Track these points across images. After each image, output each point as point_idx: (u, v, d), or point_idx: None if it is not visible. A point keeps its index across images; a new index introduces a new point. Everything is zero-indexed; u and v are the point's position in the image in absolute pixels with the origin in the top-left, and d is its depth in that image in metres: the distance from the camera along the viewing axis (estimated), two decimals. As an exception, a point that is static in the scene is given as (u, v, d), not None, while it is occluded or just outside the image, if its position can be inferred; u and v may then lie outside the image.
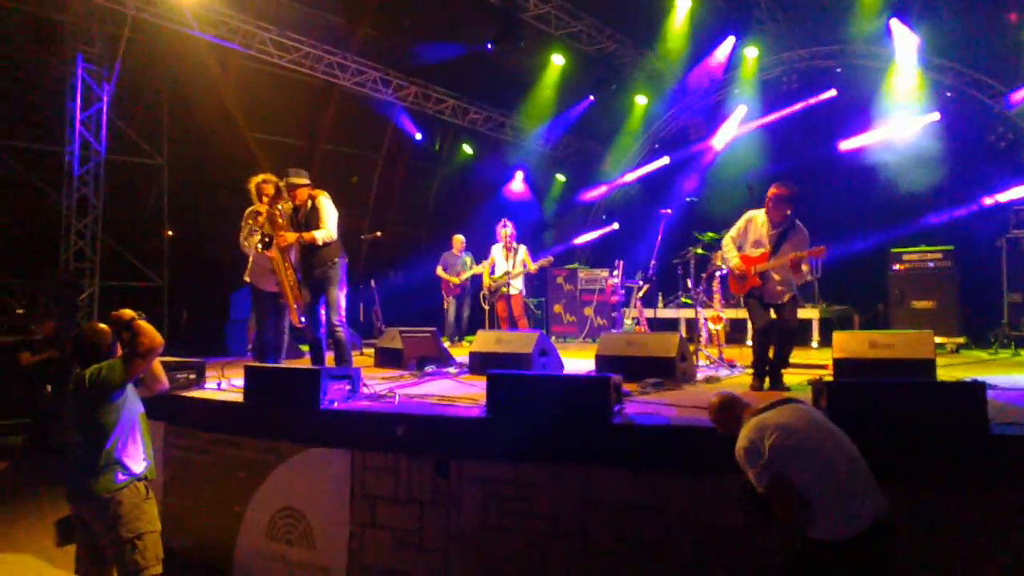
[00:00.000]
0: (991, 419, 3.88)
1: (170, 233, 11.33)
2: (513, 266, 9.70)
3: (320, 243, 6.22)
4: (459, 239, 10.93)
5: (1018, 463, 3.74)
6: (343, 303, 6.36)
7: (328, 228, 6.24)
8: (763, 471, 3.05)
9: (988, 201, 9.82)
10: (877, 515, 3.02)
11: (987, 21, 9.37)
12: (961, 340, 8.47)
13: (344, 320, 6.37)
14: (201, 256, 11.34)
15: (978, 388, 3.94)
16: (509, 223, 9.86)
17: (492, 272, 9.86)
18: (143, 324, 3.85)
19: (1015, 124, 9.96)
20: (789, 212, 5.78)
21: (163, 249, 11.24)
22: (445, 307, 10.77)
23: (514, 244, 9.77)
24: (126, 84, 10.38)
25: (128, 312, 3.94)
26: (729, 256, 5.96)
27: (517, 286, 9.82)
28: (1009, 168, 9.80)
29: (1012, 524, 3.70)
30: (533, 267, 9.68)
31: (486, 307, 9.90)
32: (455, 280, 10.62)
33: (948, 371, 6.39)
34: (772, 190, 5.78)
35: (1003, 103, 9.93)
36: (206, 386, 6.25)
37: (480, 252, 10.67)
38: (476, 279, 10.77)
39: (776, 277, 5.78)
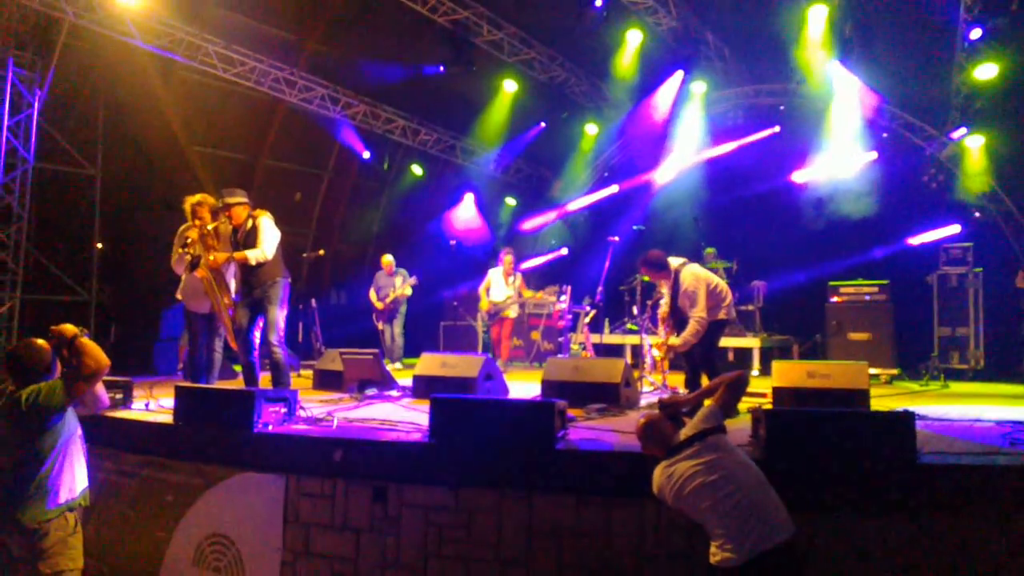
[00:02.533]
0: (920, 448, 3.98)
1: (100, 246, 10.84)
2: (514, 291, 9.99)
3: (253, 263, 6.04)
4: (387, 260, 10.64)
5: (945, 491, 3.85)
6: (282, 323, 6.18)
7: (263, 248, 6.07)
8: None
9: (917, 240, 10.23)
10: (777, 540, 3.20)
11: (922, 67, 9.81)
12: (895, 371, 8.71)
13: (283, 340, 6.18)
14: (132, 271, 10.88)
15: (908, 418, 4.05)
16: (511, 251, 10.28)
17: (489, 295, 10.03)
18: (87, 343, 3.56)
19: (945, 166, 10.42)
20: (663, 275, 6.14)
21: (92, 262, 10.74)
22: (380, 329, 10.51)
23: (513, 271, 10.06)
24: (60, 91, 9.97)
25: (70, 328, 3.61)
26: None
27: (516, 311, 10.11)
28: (940, 207, 10.24)
29: (938, 549, 3.78)
30: (538, 296, 10.05)
31: (482, 330, 10.17)
32: (378, 304, 10.36)
33: (881, 401, 6.55)
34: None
35: (937, 144, 10.38)
36: (133, 406, 5.95)
37: (427, 272, 10.51)
38: (409, 301, 10.50)
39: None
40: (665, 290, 6.37)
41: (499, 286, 9.99)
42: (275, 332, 6.07)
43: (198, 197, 6.46)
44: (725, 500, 3.27)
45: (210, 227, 6.25)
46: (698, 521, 3.40)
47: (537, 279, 13.91)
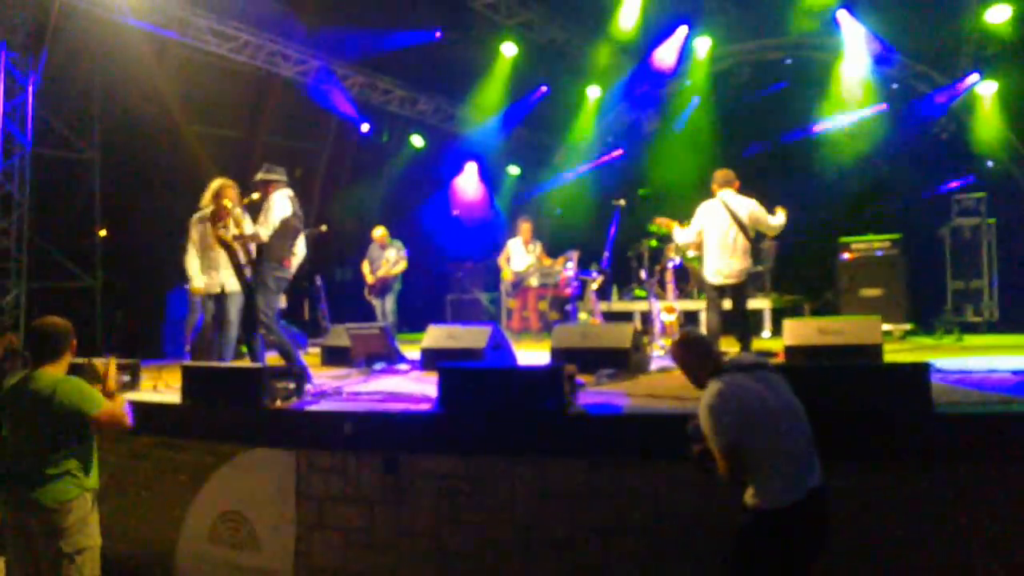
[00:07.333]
0: (935, 399, 3.94)
1: (103, 232, 10.78)
2: (535, 259, 9.97)
3: (251, 240, 5.84)
4: (378, 232, 10.01)
5: (960, 440, 3.82)
6: (271, 309, 5.86)
7: (259, 228, 5.81)
8: (719, 436, 3.19)
9: (929, 192, 10.06)
10: (814, 483, 3.19)
11: (931, 15, 9.53)
12: (908, 327, 8.59)
13: (273, 321, 5.86)
14: (136, 254, 10.84)
15: (922, 369, 4.00)
16: (529, 219, 10.29)
17: (510, 265, 10.05)
18: (119, 405, 3.74)
19: (956, 115, 10.19)
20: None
21: (95, 248, 10.70)
22: (372, 304, 9.86)
23: (532, 239, 10.02)
24: (54, 74, 9.84)
25: (113, 383, 3.82)
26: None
27: (538, 279, 10.07)
28: (952, 158, 10.04)
29: (953, 498, 3.76)
30: (558, 263, 9.73)
31: (508, 300, 10.21)
32: (369, 278, 9.84)
33: (895, 356, 6.45)
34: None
35: (948, 93, 10.13)
36: (141, 388, 5.94)
37: (431, 244, 10.37)
38: (412, 273, 10.16)
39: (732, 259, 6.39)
40: (694, 231, 6.59)
41: (520, 255, 9.93)
42: (264, 315, 5.81)
43: (219, 182, 6.14)
44: (790, 434, 3.20)
45: (238, 210, 6.02)
46: (747, 448, 3.14)
47: (543, 247, 13.80)
